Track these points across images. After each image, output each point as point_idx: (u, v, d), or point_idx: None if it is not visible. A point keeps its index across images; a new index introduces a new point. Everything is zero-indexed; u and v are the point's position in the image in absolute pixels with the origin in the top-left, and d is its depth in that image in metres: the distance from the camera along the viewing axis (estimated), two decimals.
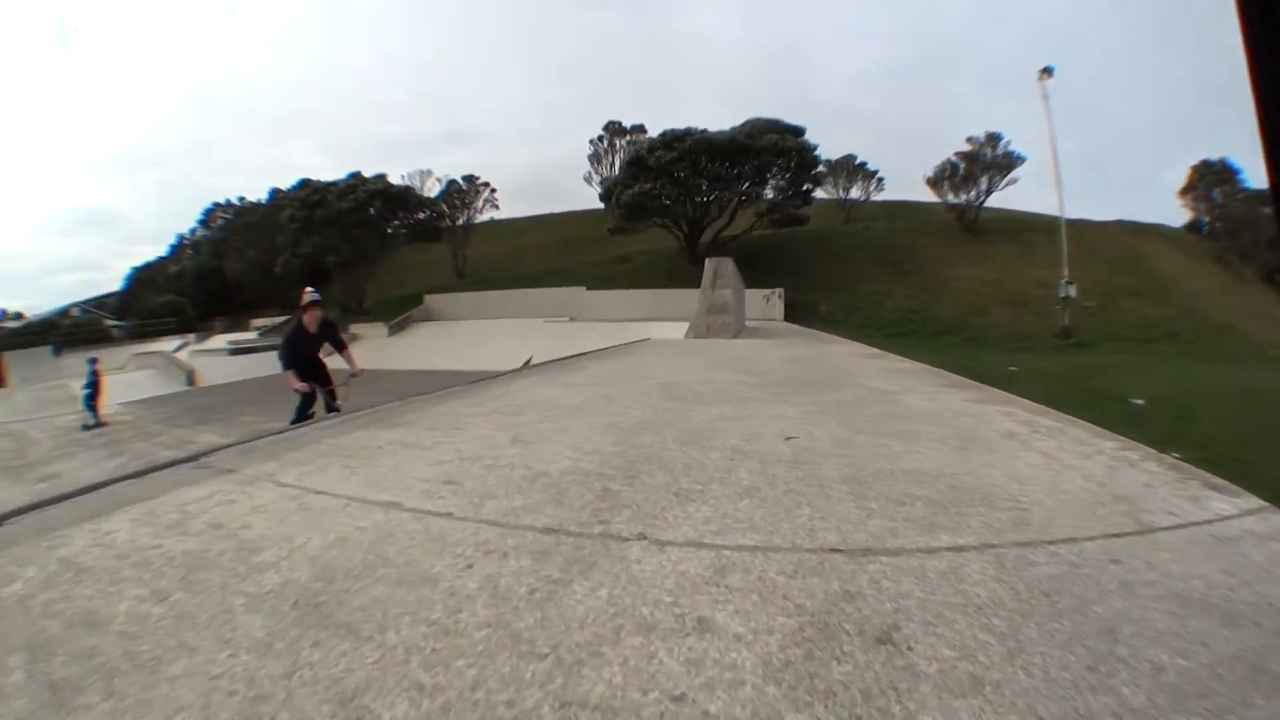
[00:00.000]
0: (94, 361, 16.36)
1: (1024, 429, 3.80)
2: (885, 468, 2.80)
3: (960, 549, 1.96)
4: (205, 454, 3.60)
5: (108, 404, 18.17)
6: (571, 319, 23.35)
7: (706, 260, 14.87)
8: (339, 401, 6.60)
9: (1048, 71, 23.68)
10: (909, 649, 1.41)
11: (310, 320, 6.48)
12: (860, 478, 2.64)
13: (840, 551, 1.97)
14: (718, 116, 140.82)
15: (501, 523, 2.29)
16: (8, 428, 16.00)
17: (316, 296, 6.54)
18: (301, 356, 6.34)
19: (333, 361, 6.78)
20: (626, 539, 2.09)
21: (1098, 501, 2.37)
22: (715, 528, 2.17)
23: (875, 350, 10.02)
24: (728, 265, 14.54)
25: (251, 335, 33.72)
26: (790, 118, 26.60)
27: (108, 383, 21.91)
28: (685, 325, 14.50)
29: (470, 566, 1.92)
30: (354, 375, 6.64)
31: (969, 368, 8.22)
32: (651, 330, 14.93)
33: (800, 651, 1.41)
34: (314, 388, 6.36)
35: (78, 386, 20.37)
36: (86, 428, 14.09)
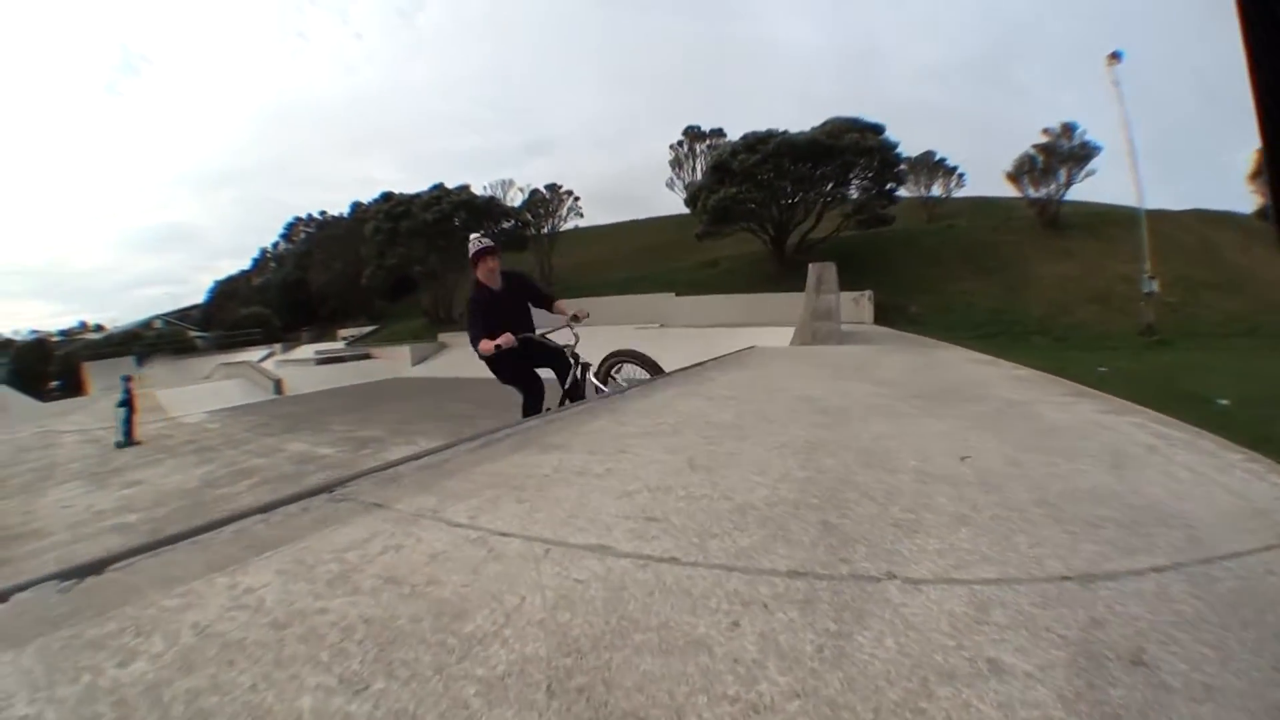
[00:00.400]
0: (128, 379, 16.37)
1: (1161, 442, 3.95)
2: (1065, 488, 2.96)
3: (1160, 569, 2.08)
4: (340, 483, 3.24)
5: (192, 412, 19.02)
6: (662, 326, 23.34)
7: (810, 265, 14.89)
8: (583, 368, 5.28)
9: (1115, 56, 22.55)
10: (1158, 667, 1.54)
11: (487, 274, 4.87)
12: (1049, 500, 2.79)
13: (1070, 579, 2.01)
14: (792, 117, 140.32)
15: (739, 566, 2.10)
16: (92, 434, 16.79)
17: (487, 243, 4.92)
18: (502, 330, 4.64)
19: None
20: (878, 579, 2.01)
21: (1243, 515, 2.64)
22: (952, 561, 2.14)
23: (986, 356, 9.81)
24: (831, 270, 14.53)
25: (339, 345, 35.45)
26: (867, 116, 26.27)
27: (195, 391, 23.13)
28: (784, 330, 14.68)
29: (736, 624, 1.72)
30: (575, 319, 5.25)
31: (1066, 370, 8.45)
32: (752, 337, 14.98)
33: (1083, 682, 1.48)
34: (532, 356, 4.93)
35: (160, 395, 21.30)
36: (119, 445, 14.31)
